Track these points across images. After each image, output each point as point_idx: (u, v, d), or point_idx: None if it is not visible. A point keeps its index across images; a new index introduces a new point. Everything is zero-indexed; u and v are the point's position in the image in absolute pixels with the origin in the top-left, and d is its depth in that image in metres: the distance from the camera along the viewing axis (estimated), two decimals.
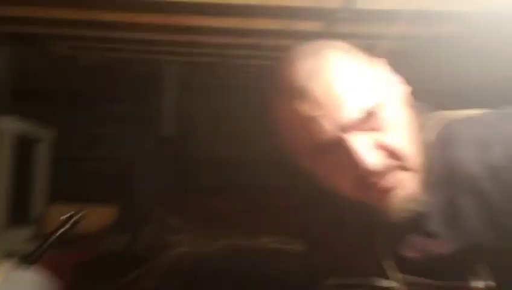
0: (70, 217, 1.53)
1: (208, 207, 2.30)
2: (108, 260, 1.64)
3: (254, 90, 1.93)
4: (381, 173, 0.55)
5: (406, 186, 0.57)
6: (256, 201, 1.84)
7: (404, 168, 0.57)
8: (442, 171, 0.59)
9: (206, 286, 1.61)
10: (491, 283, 0.56)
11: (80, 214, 1.46)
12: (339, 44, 0.61)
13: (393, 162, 0.56)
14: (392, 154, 0.56)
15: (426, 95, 0.66)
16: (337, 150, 0.55)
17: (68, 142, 2.28)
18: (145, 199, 2.22)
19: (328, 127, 0.54)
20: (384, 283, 0.64)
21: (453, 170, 0.58)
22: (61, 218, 1.29)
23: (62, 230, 1.46)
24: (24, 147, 1.95)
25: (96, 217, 1.76)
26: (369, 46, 1.01)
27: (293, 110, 0.56)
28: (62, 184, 2.09)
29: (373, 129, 0.54)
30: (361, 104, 0.54)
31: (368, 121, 0.54)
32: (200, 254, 1.90)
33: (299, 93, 0.55)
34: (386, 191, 0.56)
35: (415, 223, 0.59)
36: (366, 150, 0.54)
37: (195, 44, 2.08)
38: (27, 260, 1.09)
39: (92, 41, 2.18)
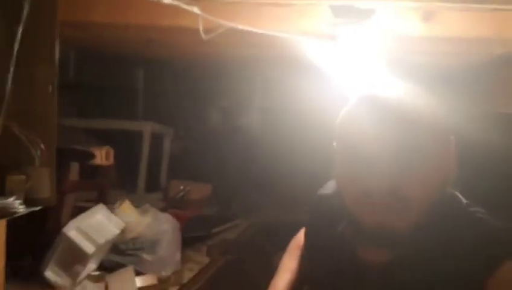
0: (184, 188, 2.32)
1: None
2: (206, 218, 2.38)
3: None
4: None
5: None
6: None
7: None
8: None
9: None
10: None
11: (188, 188, 2.25)
12: None
13: None
14: None
15: None
16: None
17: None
18: (234, 178, 2.85)
19: None
20: None
21: None
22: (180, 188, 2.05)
23: (178, 196, 2.26)
24: (155, 141, 2.76)
25: (198, 190, 2.49)
26: None
27: None
28: (178, 167, 2.86)
29: None
30: None
31: None
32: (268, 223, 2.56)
33: None
34: None
35: None
36: None
37: None
38: (162, 210, 1.86)
39: None
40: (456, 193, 0.74)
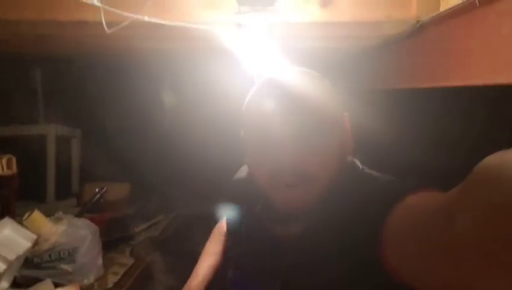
0: (99, 190, 2.21)
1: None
2: (127, 218, 2.30)
3: None
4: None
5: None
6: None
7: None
8: None
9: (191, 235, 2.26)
10: None
11: (104, 189, 2.15)
12: None
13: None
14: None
15: None
16: None
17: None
18: (150, 175, 2.78)
19: None
20: None
21: None
22: (96, 190, 1.96)
23: (94, 199, 2.15)
24: (62, 143, 2.60)
25: (116, 190, 2.38)
26: None
27: None
28: (91, 169, 2.70)
29: None
30: None
31: None
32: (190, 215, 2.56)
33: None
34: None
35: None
36: None
37: None
38: (78, 216, 1.77)
39: None
40: (355, 160, 0.80)
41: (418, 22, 1.22)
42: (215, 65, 1.88)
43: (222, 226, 1.16)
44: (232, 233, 1.00)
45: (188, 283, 1.08)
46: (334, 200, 0.73)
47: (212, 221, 1.26)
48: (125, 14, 0.99)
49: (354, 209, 0.68)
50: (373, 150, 1.03)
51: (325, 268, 0.70)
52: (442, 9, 1.14)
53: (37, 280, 1.42)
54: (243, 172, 1.00)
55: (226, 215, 1.06)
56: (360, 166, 0.80)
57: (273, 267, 0.78)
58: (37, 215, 1.57)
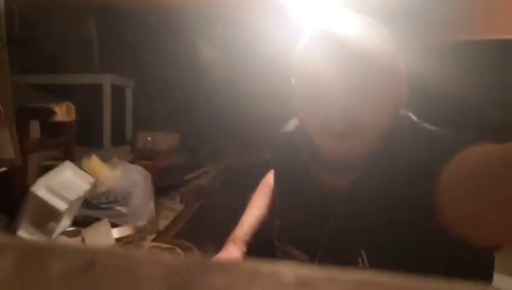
0: (151, 139, 2.30)
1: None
2: (177, 167, 2.40)
3: None
4: None
5: None
6: None
7: None
8: None
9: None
10: None
11: (155, 138, 2.22)
12: None
13: None
14: None
15: None
16: None
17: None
18: (200, 125, 2.85)
19: None
20: None
21: None
22: (148, 139, 2.03)
23: (147, 147, 2.25)
24: (117, 93, 2.71)
25: (166, 139, 2.48)
26: None
27: None
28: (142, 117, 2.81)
29: None
30: None
31: None
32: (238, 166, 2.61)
33: None
34: None
35: None
36: None
37: None
38: (132, 162, 1.86)
39: None
40: (409, 113, 0.77)
41: None
42: (265, 13, 1.84)
43: (269, 178, 1.17)
44: (280, 185, 1.01)
45: (233, 233, 1.10)
46: (386, 153, 0.71)
47: (261, 173, 1.27)
48: None
49: (408, 162, 0.66)
50: (429, 103, 0.98)
51: (375, 222, 0.69)
52: None
53: (95, 220, 1.53)
54: (291, 125, 0.99)
55: (274, 167, 1.06)
56: (415, 119, 0.77)
57: (321, 218, 0.79)
58: (94, 160, 1.66)
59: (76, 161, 1.67)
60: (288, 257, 0.85)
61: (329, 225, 0.77)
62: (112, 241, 1.45)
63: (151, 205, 1.70)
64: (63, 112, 1.64)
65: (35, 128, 1.60)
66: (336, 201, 0.77)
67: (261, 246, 1.06)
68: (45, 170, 1.50)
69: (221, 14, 2.16)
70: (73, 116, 1.72)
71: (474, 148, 0.57)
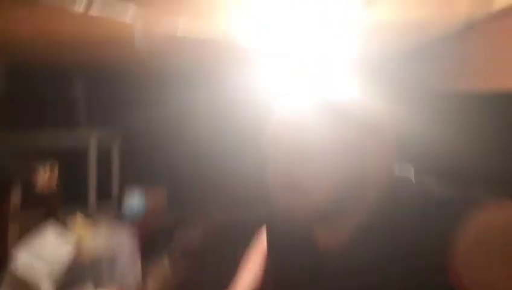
0: (137, 196, 2.23)
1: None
2: (164, 228, 2.31)
3: None
4: None
5: None
6: None
7: None
8: None
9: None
10: None
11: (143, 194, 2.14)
12: None
13: None
14: None
15: None
16: None
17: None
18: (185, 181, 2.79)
19: None
20: None
21: None
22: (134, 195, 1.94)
23: (134, 205, 2.17)
24: (103, 149, 2.67)
25: (154, 196, 2.41)
26: None
27: None
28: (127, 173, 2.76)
29: None
30: None
31: None
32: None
33: None
34: None
35: None
36: None
37: None
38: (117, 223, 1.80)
39: None
40: (408, 172, 0.74)
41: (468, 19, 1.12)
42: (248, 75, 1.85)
43: (262, 236, 1.14)
44: (273, 244, 0.97)
45: None
46: (384, 217, 0.68)
47: (251, 229, 1.23)
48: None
49: (410, 225, 0.64)
50: (430, 156, 0.95)
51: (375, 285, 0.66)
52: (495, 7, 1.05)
53: (79, 284, 1.45)
54: None
55: (266, 224, 1.03)
56: (415, 177, 0.73)
57: (317, 280, 0.75)
58: (79, 220, 1.61)
59: (60, 219, 1.61)
60: None
61: (324, 287, 0.73)
62: None
63: (138, 268, 1.63)
64: (46, 173, 1.60)
65: (16, 197, 1.54)
66: (329, 264, 0.74)
67: None
68: (27, 230, 1.44)
69: (205, 71, 2.18)
70: (56, 178, 1.67)
71: (487, 211, 0.56)
